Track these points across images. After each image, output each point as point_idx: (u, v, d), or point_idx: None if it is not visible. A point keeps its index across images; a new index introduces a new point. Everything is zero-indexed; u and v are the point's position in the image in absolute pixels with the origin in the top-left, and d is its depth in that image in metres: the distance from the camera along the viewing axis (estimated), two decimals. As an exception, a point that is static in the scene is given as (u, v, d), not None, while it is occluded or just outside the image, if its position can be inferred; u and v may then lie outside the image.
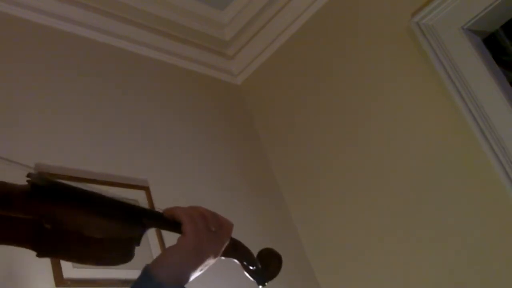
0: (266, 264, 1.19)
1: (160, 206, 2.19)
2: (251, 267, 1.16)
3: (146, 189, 2.13)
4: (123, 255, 0.98)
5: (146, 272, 0.98)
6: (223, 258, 1.11)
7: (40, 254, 0.89)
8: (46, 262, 1.67)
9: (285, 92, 2.83)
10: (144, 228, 1.03)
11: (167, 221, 1.06)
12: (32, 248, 0.88)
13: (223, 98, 2.88)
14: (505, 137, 2.12)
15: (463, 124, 2.22)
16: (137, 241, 1.00)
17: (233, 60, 3.01)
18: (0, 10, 2.15)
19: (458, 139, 2.25)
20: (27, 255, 1.66)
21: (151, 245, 1.94)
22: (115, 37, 2.50)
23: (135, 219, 1.02)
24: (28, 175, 0.94)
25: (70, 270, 1.69)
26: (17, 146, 1.88)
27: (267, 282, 1.17)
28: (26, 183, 0.94)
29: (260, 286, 1.17)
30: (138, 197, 2.07)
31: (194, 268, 1.02)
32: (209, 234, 1.04)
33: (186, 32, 2.82)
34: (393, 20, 2.49)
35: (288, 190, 2.71)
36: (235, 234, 2.35)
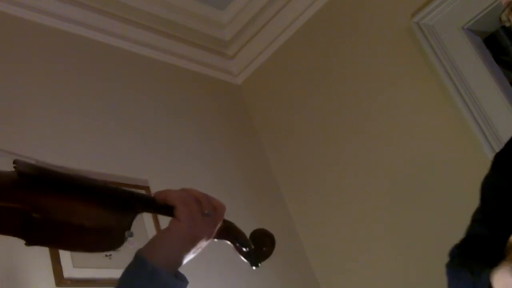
0: (259, 244, 1.17)
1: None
2: (244, 249, 1.15)
3: (146, 189, 2.13)
4: (114, 242, 0.96)
5: (139, 257, 0.97)
6: (215, 240, 1.10)
7: (29, 243, 0.87)
8: (46, 262, 1.68)
9: (285, 92, 2.83)
10: (136, 213, 1.01)
11: (159, 205, 1.03)
12: (21, 237, 0.86)
13: (223, 98, 2.88)
14: (505, 137, 2.12)
15: (463, 123, 2.22)
16: (128, 226, 0.98)
17: (233, 60, 3.01)
18: (0, 10, 2.15)
19: (458, 139, 2.25)
20: (27, 255, 1.66)
21: (149, 235, 1.93)
22: (115, 37, 2.50)
23: (126, 205, 1.00)
24: (14, 162, 0.91)
25: (70, 270, 1.69)
26: (17, 145, 1.88)
27: (260, 262, 1.16)
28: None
29: (254, 267, 1.16)
30: (138, 197, 2.07)
31: (187, 251, 1.00)
32: (202, 217, 1.02)
33: (186, 32, 2.82)
34: (393, 20, 2.49)
35: (288, 190, 2.71)
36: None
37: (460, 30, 2.32)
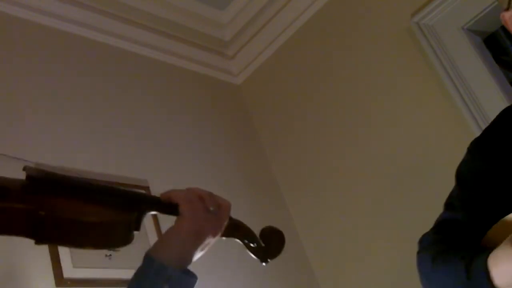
0: (269, 241, 1.19)
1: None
2: (252, 245, 1.16)
3: (146, 189, 2.13)
4: (121, 239, 0.98)
5: (148, 257, 0.99)
6: (224, 238, 1.11)
7: (38, 242, 0.91)
8: (46, 262, 1.68)
9: (285, 92, 2.83)
10: (143, 213, 1.03)
11: (164, 204, 1.06)
12: (31, 236, 0.90)
13: (223, 98, 2.88)
14: (505, 137, 2.12)
15: (463, 123, 2.22)
16: (135, 225, 1.01)
17: (233, 60, 3.01)
18: (0, 10, 2.15)
19: (458, 138, 2.25)
20: (28, 255, 1.67)
21: (149, 235, 1.93)
22: (115, 37, 2.50)
23: (132, 204, 1.03)
24: (24, 168, 0.95)
25: (70, 270, 1.69)
26: (17, 145, 1.88)
27: (270, 259, 1.17)
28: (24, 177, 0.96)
29: (264, 263, 1.16)
30: (138, 197, 2.07)
31: (194, 248, 1.02)
32: (207, 214, 1.04)
33: (186, 32, 2.82)
34: (393, 20, 2.49)
35: (288, 190, 2.71)
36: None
37: (460, 30, 2.32)
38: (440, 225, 1.18)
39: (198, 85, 2.79)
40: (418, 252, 1.17)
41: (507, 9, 1.18)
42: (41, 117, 2.03)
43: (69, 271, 1.69)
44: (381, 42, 2.52)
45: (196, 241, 1.02)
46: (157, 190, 2.14)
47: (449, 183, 2.29)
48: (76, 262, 1.70)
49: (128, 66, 2.51)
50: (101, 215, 0.97)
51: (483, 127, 2.17)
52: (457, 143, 2.31)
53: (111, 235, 0.98)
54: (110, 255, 1.71)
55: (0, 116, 1.89)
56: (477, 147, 1.21)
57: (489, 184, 1.13)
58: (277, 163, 2.78)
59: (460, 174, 1.22)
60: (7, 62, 2.05)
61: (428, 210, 2.40)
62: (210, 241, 1.05)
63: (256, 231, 2.57)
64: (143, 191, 2.11)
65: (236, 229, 1.14)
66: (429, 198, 2.30)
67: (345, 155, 2.55)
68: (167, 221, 1.98)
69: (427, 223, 2.38)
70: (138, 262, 1.03)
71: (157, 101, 2.50)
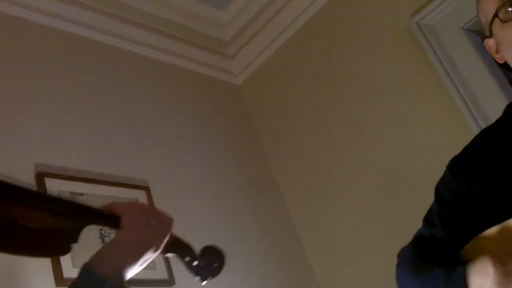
0: (209, 260, 1.16)
1: (160, 206, 2.19)
2: (193, 264, 1.14)
3: (146, 189, 2.13)
4: (59, 249, 0.97)
5: (86, 269, 0.95)
6: (165, 254, 1.10)
7: None
8: (46, 262, 1.68)
9: (285, 92, 2.83)
10: (82, 224, 1.01)
11: (105, 215, 1.04)
12: None
13: (223, 98, 2.88)
14: (505, 137, 2.12)
15: (463, 123, 2.22)
16: (74, 236, 0.98)
17: (233, 60, 3.01)
18: (0, 10, 2.15)
19: (458, 138, 2.24)
20: (27, 255, 1.66)
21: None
22: (115, 37, 2.50)
23: (71, 213, 1.00)
24: None
25: (70, 270, 1.69)
26: (17, 146, 1.88)
27: (210, 278, 1.15)
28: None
29: (203, 283, 1.14)
30: (138, 197, 2.07)
31: (133, 262, 0.99)
32: (148, 228, 1.02)
33: (186, 32, 2.82)
34: (393, 20, 2.49)
35: (288, 190, 2.71)
36: (237, 235, 2.35)
37: (460, 30, 2.32)
38: (418, 240, 1.20)
39: (198, 85, 2.79)
40: (398, 265, 1.19)
41: (490, 37, 1.20)
42: (41, 117, 2.03)
43: (69, 271, 1.69)
44: (381, 42, 2.52)
45: (136, 255, 0.99)
46: (157, 190, 2.15)
47: (449, 183, 2.28)
48: (76, 262, 1.70)
49: (128, 66, 2.51)
50: (40, 221, 0.95)
51: (483, 127, 2.17)
52: (457, 143, 2.31)
53: (49, 244, 0.96)
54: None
55: (0, 116, 1.89)
56: (455, 165, 1.23)
57: (466, 203, 1.15)
58: (277, 163, 2.77)
59: (438, 192, 1.25)
60: (7, 62, 2.05)
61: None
62: (150, 256, 1.02)
63: (256, 231, 2.58)
64: (142, 192, 2.11)
65: (177, 246, 1.13)
66: (429, 198, 2.30)
67: (345, 155, 2.55)
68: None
69: (427, 223, 2.37)
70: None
71: (157, 101, 2.50)
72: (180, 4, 2.77)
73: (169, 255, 1.12)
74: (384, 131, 2.46)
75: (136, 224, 1.01)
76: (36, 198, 0.99)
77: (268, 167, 2.77)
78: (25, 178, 1.83)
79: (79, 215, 1.01)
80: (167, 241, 1.06)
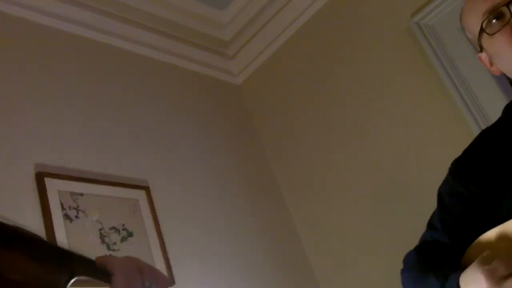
0: None
1: (160, 206, 2.20)
2: None
3: (146, 189, 2.13)
4: None
5: None
6: None
7: None
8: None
9: (285, 92, 2.83)
10: (72, 274, 0.94)
11: (98, 269, 0.97)
12: None
13: (223, 98, 2.88)
14: (505, 137, 2.12)
15: (463, 123, 2.22)
16: (63, 286, 0.92)
17: (233, 60, 3.01)
18: (0, 10, 2.15)
19: (458, 138, 2.24)
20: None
21: (148, 235, 1.93)
22: (115, 37, 2.50)
23: (63, 263, 0.94)
24: None
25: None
26: (17, 146, 1.88)
27: None
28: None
29: None
30: (138, 197, 2.07)
31: None
32: None
33: (186, 32, 2.82)
34: (393, 20, 2.49)
35: (288, 190, 2.71)
36: (237, 235, 2.35)
37: (460, 30, 2.32)
38: (422, 245, 1.22)
39: (198, 85, 2.79)
40: (402, 271, 1.22)
41: (481, 51, 1.21)
42: (41, 117, 2.02)
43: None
44: (381, 42, 2.52)
45: None
46: (157, 190, 2.15)
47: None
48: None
49: (128, 66, 2.51)
50: (28, 271, 0.88)
51: (483, 127, 2.17)
52: (457, 143, 2.31)
53: None
54: (110, 255, 1.71)
55: (0, 116, 1.89)
56: (456, 168, 1.23)
57: (466, 206, 1.15)
58: (277, 163, 2.78)
59: (440, 195, 1.25)
60: (7, 62, 2.05)
61: (428, 210, 2.40)
62: None
63: (256, 231, 2.57)
64: (142, 192, 2.11)
65: None
66: (428, 198, 2.30)
67: (345, 155, 2.55)
68: (167, 220, 1.98)
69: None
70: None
71: (157, 101, 2.50)
72: (180, 4, 2.77)
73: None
74: (384, 131, 2.46)
75: (126, 283, 0.95)
76: (26, 243, 0.90)
77: (268, 167, 2.77)
78: (25, 178, 1.83)
79: (70, 263, 0.94)
80: None
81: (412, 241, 2.37)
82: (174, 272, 1.98)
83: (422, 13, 2.37)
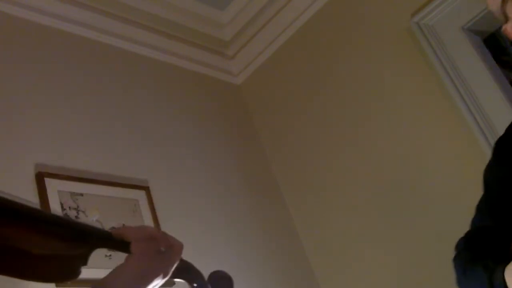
0: (217, 286, 1.16)
1: (160, 206, 2.20)
2: None
3: (146, 189, 2.13)
4: (68, 274, 0.97)
5: None
6: (173, 279, 1.10)
7: None
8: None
9: (285, 92, 2.83)
10: (92, 248, 1.01)
11: (115, 241, 1.04)
12: None
13: (223, 98, 2.88)
14: (505, 137, 2.12)
15: (463, 124, 2.22)
16: (83, 259, 0.98)
17: (233, 60, 3.01)
18: (0, 10, 2.15)
19: (458, 139, 2.25)
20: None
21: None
22: (115, 37, 2.50)
23: (82, 238, 1.00)
24: None
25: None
26: (17, 146, 1.88)
27: None
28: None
29: None
30: (138, 197, 2.07)
31: (141, 287, 1.00)
32: (157, 254, 1.03)
33: (186, 32, 2.82)
34: (393, 20, 2.49)
35: (288, 190, 2.71)
36: (237, 235, 2.35)
37: (460, 30, 2.32)
38: (469, 231, 1.20)
39: (198, 85, 2.79)
40: (454, 259, 1.19)
41: (506, 21, 1.15)
42: (41, 117, 2.03)
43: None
44: (381, 42, 2.52)
45: (144, 281, 1.00)
46: (157, 190, 2.15)
47: (449, 183, 2.29)
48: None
49: (128, 66, 2.51)
50: (49, 247, 0.94)
51: (483, 127, 2.18)
52: (457, 143, 2.31)
53: (59, 270, 0.95)
54: (110, 255, 1.71)
55: (0, 116, 1.89)
56: (499, 148, 1.20)
57: (508, 187, 1.12)
58: (277, 163, 2.77)
59: (485, 178, 1.22)
60: (7, 62, 2.05)
61: (428, 210, 2.41)
62: (159, 282, 1.03)
63: (256, 231, 2.57)
64: (142, 192, 2.11)
65: (186, 271, 1.13)
66: (429, 198, 2.31)
67: (345, 155, 2.55)
68: (167, 220, 1.98)
69: (427, 223, 2.38)
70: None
71: (157, 101, 2.50)
72: (180, 4, 2.77)
73: (178, 280, 1.12)
74: (384, 131, 2.46)
75: (145, 251, 1.01)
76: (46, 222, 0.96)
77: (268, 167, 2.77)
78: (25, 178, 1.83)
79: (89, 239, 1.01)
80: (177, 266, 1.07)
81: (412, 240, 2.38)
82: (174, 272, 1.98)
83: (422, 13, 2.37)
